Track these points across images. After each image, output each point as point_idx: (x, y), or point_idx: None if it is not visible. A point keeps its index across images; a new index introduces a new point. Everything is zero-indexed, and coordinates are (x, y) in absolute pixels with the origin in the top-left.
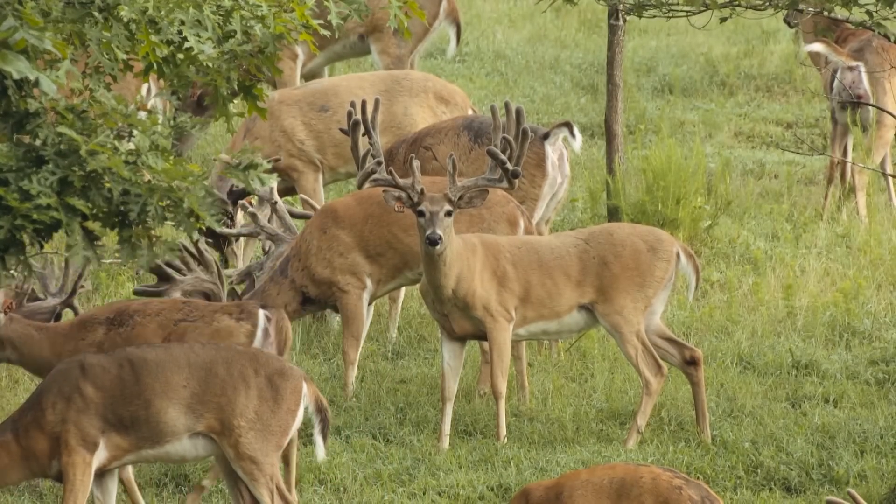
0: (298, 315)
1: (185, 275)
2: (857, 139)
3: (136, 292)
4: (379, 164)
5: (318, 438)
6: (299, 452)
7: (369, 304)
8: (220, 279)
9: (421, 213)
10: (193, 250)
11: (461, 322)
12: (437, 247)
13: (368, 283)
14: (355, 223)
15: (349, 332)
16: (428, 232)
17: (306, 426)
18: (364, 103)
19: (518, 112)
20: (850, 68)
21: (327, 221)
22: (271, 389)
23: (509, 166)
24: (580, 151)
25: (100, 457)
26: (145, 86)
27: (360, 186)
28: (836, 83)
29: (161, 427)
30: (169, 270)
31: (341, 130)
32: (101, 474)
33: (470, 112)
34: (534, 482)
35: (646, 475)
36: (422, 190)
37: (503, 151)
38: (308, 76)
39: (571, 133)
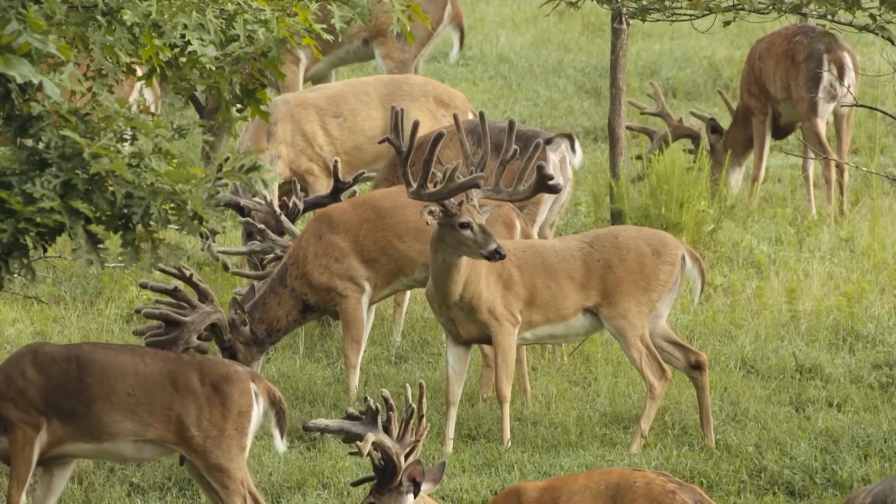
0: (299, 323)
1: (189, 314)
2: (830, 133)
3: (148, 345)
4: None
5: (275, 431)
6: (303, 457)
7: (368, 308)
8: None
9: (467, 226)
10: (191, 284)
11: (467, 326)
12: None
13: (367, 287)
14: (350, 228)
15: (349, 336)
16: (494, 246)
17: (301, 431)
18: (400, 112)
19: (510, 124)
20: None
21: (322, 227)
22: (219, 396)
23: (553, 182)
24: (580, 162)
25: (42, 439)
26: (138, 84)
27: (442, 198)
28: (824, 75)
29: (101, 427)
30: (175, 315)
31: (387, 140)
32: (50, 468)
33: (470, 116)
34: (525, 482)
35: (639, 480)
36: (461, 202)
37: (510, 158)
38: (314, 80)
39: (572, 147)
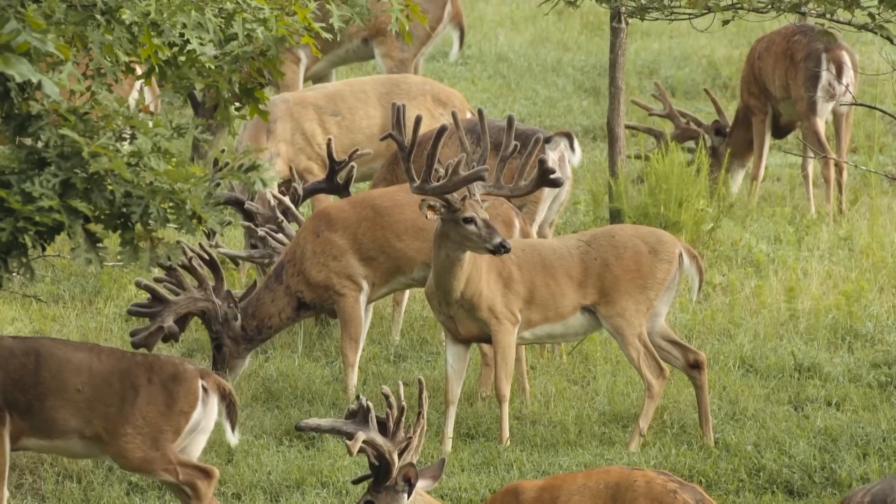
0: (293, 321)
1: (178, 294)
2: (829, 132)
3: (130, 312)
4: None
5: (225, 424)
6: (301, 455)
7: (366, 306)
8: (220, 292)
9: (470, 220)
10: (190, 265)
11: (467, 324)
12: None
13: (365, 285)
14: (348, 226)
15: (347, 335)
16: (500, 240)
17: (295, 431)
18: (402, 108)
19: (509, 119)
20: (837, 54)
21: (320, 225)
22: (164, 395)
23: (554, 176)
24: (579, 161)
25: (8, 431)
26: (138, 83)
27: (446, 191)
28: (823, 74)
29: (50, 423)
30: (162, 292)
31: (390, 136)
32: None
33: (468, 115)
34: (524, 480)
35: (640, 479)
36: (464, 197)
37: (511, 154)
38: (315, 80)
39: (571, 146)
